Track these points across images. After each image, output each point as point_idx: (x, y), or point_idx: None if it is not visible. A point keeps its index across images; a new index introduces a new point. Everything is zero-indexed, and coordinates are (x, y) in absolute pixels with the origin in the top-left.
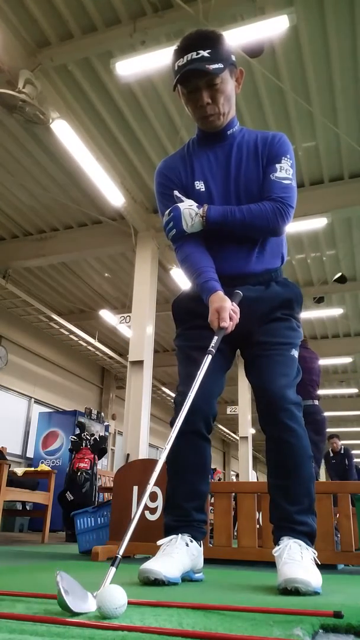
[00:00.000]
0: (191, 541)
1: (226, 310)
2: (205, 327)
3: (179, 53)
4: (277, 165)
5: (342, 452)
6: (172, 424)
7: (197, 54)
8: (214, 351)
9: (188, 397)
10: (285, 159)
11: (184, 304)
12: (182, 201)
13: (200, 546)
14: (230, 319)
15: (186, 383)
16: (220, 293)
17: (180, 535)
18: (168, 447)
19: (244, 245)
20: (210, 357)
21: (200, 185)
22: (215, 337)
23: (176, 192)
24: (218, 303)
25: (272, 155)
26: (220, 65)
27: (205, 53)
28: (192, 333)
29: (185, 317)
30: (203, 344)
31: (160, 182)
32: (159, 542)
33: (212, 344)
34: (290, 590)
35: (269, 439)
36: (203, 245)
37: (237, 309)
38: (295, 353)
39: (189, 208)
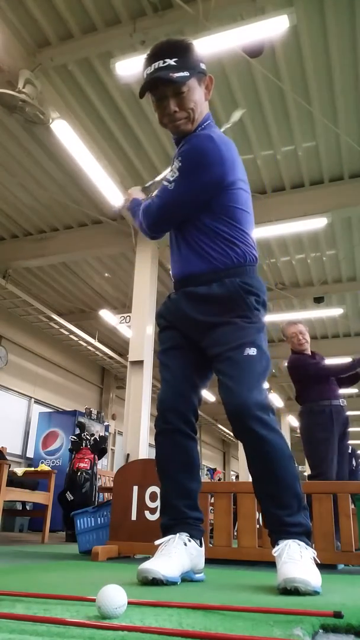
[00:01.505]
0: (189, 540)
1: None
2: (168, 327)
3: (147, 61)
4: (172, 166)
5: (350, 452)
6: (155, 425)
7: (164, 62)
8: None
9: (162, 398)
10: (177, 160)
11: (160, 307)
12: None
13: (201, 546)
14: None
15: (161, 385)
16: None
17: (177, 534)
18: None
19: (193, 246)
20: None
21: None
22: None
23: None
24: None
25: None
26: (185, 74)
27: (171, 62)
28: (161, 336)
29: (158, 321)
30: (169, 344)
31: None
32: (156, 542)
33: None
34: (290, 590)
35: (244, 449)
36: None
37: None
38: (250, 350)
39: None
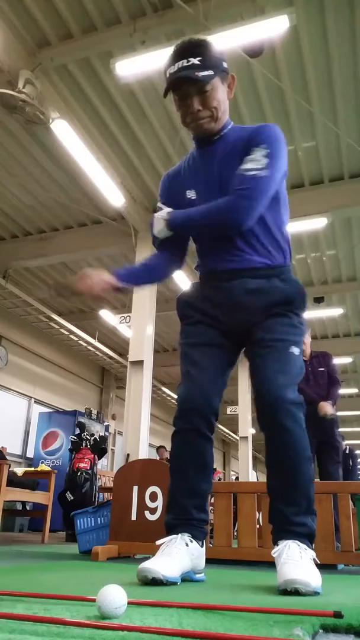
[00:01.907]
0: (191, 541)
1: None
2: (202, 322)
3: (171, 61)
4: (248, 157)
5: (347, 452)
6: (174, 423)
7: (188, 61)
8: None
9: (186, 397)
10: (259, 148)
11: (185, 298)
12: (161, 209)
13: (202, 546)
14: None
15: (184, 381)
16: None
17: (180, 534)
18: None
19: (236, 242)
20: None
21: (191, 194)
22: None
23: (159, 204)
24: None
25: (247, 148)
26: (210, 73)
27: (195, 61)
28: (191, 329)
29: (186, 312)
30: (201, 340)
31: (159, 194)
32: (158, 542)
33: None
34: (290, 591)
35: (267, 440)
36: (164, 259)
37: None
38: (295, 350)
39: (161, 215)
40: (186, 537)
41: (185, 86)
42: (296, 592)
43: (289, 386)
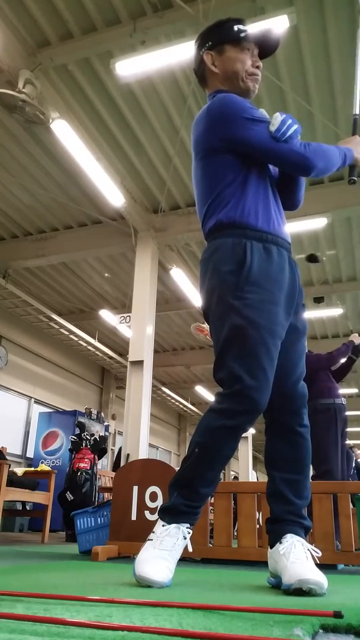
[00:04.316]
0: (189, 532)
1: None
2: (283, 306)
3: (268, 30)
4: None
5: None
6: (231, 415)
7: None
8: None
9: (257, 395)
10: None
11: (259, 262)
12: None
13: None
14: None
15: (258, 377)
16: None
17: (181, 527)
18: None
19: (282, 211)
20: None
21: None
22: None
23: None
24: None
25: None
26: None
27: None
28: (272, 310)
29: (262, 284)
30: (279, 330)
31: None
32: (157, 531)
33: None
34: (305, 590)
35: (285, 433)
36: None
37: None
38: None
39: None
40: (185, 529)
41: (269, 49)
42: (308, 592)
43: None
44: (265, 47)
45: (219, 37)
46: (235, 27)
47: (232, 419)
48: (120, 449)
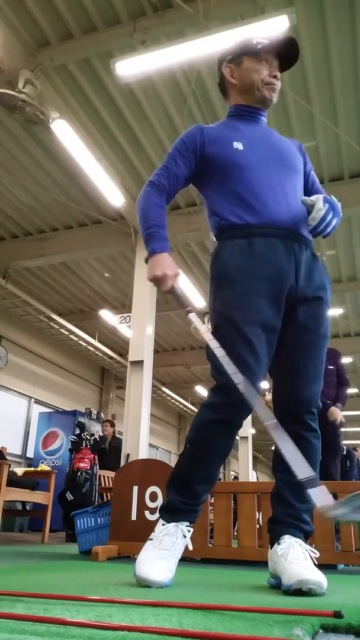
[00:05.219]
0: (189, 531)
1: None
2: (266, 295)
3: (277, 36)
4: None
5: (344, 453)
6: (217, 409)
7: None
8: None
9: (242, 388)
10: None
11: (231, 257)
12: None
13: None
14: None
15: (240, 367)
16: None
17: (180, 525)
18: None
19: (298, 199)
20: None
21: (238, 146)
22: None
23: None
24: (176, 267)
25: (310, 165)
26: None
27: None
28: (247, 301)
29: (237, 277)
30: (260, 319)
31: (190, 138)
32: (157, 530)
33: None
34: (305, 591)
35: (290, 434)
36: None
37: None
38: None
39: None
40: (185, 528)
41: (283, 54)
42: (308, 592)
43: (319, 392)
44: (283, 57)
45: (238, 50)
46: (255, 40)
47: (220, 412)
48: (101, 437)
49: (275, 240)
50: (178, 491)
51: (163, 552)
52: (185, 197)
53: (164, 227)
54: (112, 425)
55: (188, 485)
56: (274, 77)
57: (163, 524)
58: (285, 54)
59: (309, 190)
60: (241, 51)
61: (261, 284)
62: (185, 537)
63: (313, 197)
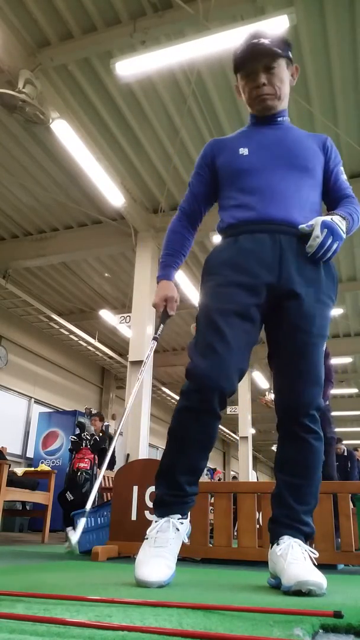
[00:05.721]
0: (181, 523)
1: (174, 300)
2: (243, 285)
3: (241, 45)
4: (342, 174)
5: (345, 454)
6: (185, 397)
7: (259, 40)
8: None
9: (206, 372)
10: (342, 168)
11: (217, 254)
12: None
13: (187, 517)
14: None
15: (205, 354)
16: (172, 283)
17: (171, 519)
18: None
19: (303, 197)
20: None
21: (244, 151)
22: (161, 326)
23: None
24: (169, 292)
25: (324, 152)
26: (279, 50)
27: (266, 41)
28: (224, 291)
29: (218, 270)
30: (235, 307)
31: (203, 154)
32: (150, 528)
33: (157, 333)
34: (305, 592)
35: (288, 435)
36: (190, 233)
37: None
38: (322, 348)
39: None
40: (177, 520)
41: (255, 60)
42: (308, 593)
43: (320, 394)
44: (259, 60)
45: (234, 66)
46: (235, 54)
47: (188, 399)
48: (101, 437)
49: (262, 235)
50: (164, 483)
51: (159, 550)
52: None
53: (173, 255)
54: (102, 419)
55: (172, 477)
56: (258, 87)
57: (156, 521)
58: (256, 58)
59: (330, 187)
60: (234, 67)
61: (241, 275)
62: (178, 530)
63: (312, 222)
